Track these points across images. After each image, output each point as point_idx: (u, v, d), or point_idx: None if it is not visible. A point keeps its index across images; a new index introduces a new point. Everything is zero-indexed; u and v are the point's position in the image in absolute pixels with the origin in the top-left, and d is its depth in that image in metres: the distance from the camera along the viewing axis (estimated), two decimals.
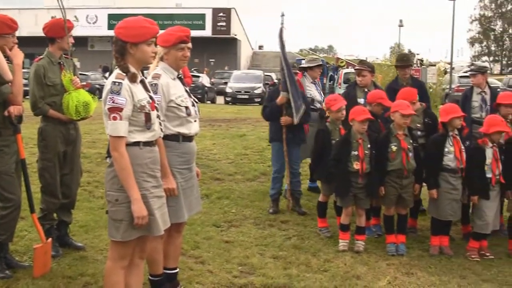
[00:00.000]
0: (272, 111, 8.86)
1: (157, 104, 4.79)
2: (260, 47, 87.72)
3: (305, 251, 7.27)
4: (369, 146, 7.33)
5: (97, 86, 31.71)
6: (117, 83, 4.37)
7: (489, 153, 7.27)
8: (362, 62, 9.64)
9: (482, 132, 7.41)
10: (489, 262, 7.18)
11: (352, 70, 30.61)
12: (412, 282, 6.43)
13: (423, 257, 7.27)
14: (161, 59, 5.29)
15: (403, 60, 9.20)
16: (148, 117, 4.52)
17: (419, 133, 7.92)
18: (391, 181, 7.35)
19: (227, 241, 7.50)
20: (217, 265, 6.60)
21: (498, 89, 32.35)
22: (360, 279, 6.41)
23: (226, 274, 6.34)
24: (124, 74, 4.43)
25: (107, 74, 35.39)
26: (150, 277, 5.44)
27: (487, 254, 7.37)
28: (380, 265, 6.91)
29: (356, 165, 7.24)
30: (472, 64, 10.50)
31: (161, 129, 4.79)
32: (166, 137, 5.10)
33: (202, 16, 63.30)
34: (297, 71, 9.46)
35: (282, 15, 9.00)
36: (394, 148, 7.29)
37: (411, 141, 7.40)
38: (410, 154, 7.32)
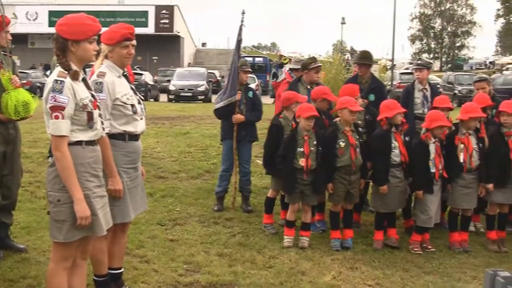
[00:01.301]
0: (224, 110, 8.86)
1: (99, 102, 4.74)
2: (203, 44, 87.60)
3: (250, 248, 7.29)
4: (315, 143, 7.38)
5: (38, 84, 31.17)
6: (59, 81, 4.30)
7: (432, 148, 7.42)
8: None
9: (424, 128, 7.55)
10: (431, 255, 7.35)
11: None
12: (356, 276, 6.52)
13: (367, 251, 7.39)
14: (106, 57, 5.23)
15: (362, 58, 9.22)
16: (90, 116, 4.47)
17: (360, 129, 8.02)
18: (339, 177, 7.43)
19: (172, 240, 7.47)
20: (162, 264, 6.56)
21: (438, 85, 33.12)
22: (305, 275, 6.47)
23: (171, 273, 6.31)
24: (66, 72, 4.36)
25: (48, 72, 34.75)
26: (94, 278, 5.37)
27: (429, 247, 7.54)
28: (325, 260, 6.98)
29: (302, 162, 7.30)
30: (419, 59, 10.61)
31: (103, 128, 4.73)
32: (112, 136, 5.05)
33: (144, 14, 62.68)
34: (250, 69, 9.44)
35: (243, 12, 9.01)
36: (342, 144, 7.36)
37: (357, 136, 7.49)
38: (358, 150, 7.42)
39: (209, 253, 7.04)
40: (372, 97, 8.66)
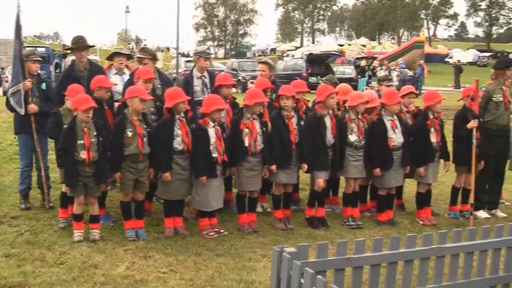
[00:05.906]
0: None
1: None
2: None
3: (40, 245, 7.07)
4: (95, 133, 7.26)
5: None
6: None
7: (212, 132, 7.59)
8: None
9: (202, 113, 7.70)
10: (222, 238, 7.62)
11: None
12: (150, 265, 6.59)
13: (159, 239, 7.48)
14: None
15: (77, 42, 8.97)
16: None
17: (153, 117, 8.04)
18: (127, 166, 7.39)
19: None
20: None
21: (217, 72, 33.87)
22: (98, 268, 6.42)
23: None
24: None
25: None
26: None
27: (221, 230, 7.78)
28: (117, 251, 6.97)
29: (83, 154, 7.16)
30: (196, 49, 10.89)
31: None
32: None
33: None
34: (40, 59, 9.03)
35: None
36: (129, 134, 7.32)
37: (145, 126, 7.48)
38: (145, 139, 7.40)
39: None
40: None
